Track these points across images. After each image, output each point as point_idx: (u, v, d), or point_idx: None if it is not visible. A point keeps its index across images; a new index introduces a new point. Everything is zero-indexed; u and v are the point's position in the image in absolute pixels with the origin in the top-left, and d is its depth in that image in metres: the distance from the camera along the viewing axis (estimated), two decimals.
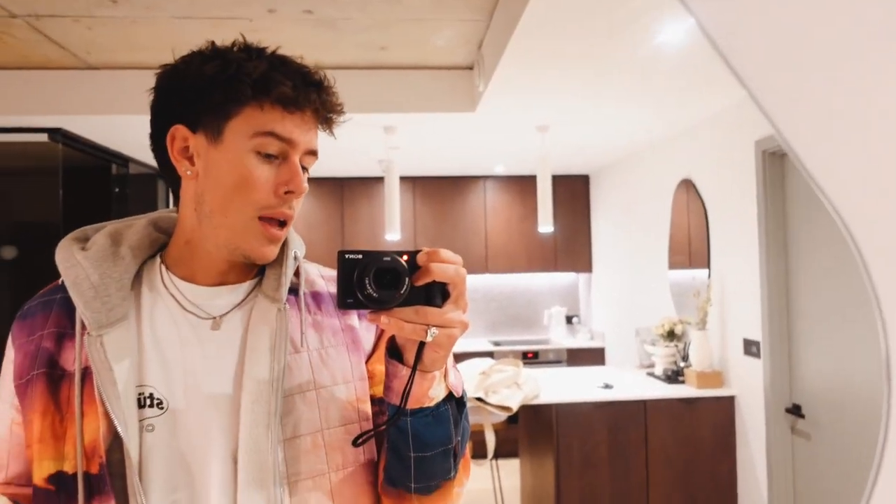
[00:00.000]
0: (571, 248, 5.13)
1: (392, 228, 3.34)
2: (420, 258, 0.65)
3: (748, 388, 2.88)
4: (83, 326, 0.71)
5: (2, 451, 0.77)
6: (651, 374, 3.40)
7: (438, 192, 5.04)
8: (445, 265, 0.65)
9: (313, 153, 0.75)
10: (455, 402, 0.73)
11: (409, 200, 4.96)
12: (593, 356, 4.85)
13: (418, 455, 0.71)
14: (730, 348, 3.02)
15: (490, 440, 2.93)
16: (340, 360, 0.76)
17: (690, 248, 3.45)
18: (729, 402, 3.01)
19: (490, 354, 4.71)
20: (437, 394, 0.70)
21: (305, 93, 0.71)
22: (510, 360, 3.10)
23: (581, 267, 5.15)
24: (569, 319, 5.37)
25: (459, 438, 0.73)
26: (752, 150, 2.78)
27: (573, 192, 5.13)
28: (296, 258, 0.79)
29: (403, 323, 0.64)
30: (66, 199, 3.09)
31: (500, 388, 2.86)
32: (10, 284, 3.59)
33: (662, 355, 3.31)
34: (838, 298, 2.37)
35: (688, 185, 3.44)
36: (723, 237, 3.08)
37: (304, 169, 0.75)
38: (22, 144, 3.12)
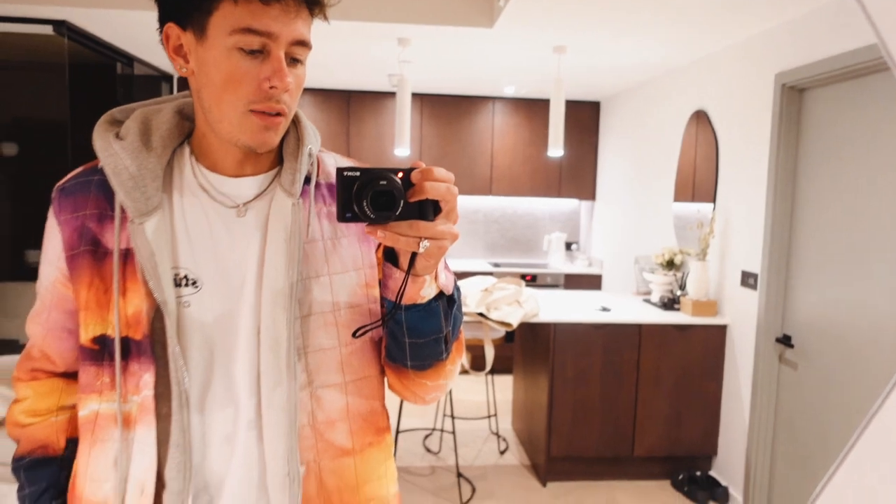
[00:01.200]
0: (576, 175, 5.13)
1: (402, 143, 3.32)
2: (414, 176, 0.68)
3: (741, 317, 2.98)
4: (123, 212, 0.77)
5: (45, 300, 0.85)
6: (647, 301, 3.49)
7: (446, 110, 4.97)
8: (438, 183, 0.68)
9: (302, 43, 0.74)
10: (446, 299, 0.79)
11: (416, 117, 4.90)
12: (590, 282, 4.95)
13: (412, 341, 0.79)
14: (727, 279, 3.10)
15: (489, 354, 3.04)
16: (351, 248, 0.83)
17: (695, 181, 3.46)
18: (721, 330, 3.12)
19: (489, 275, 4.80)
20: (428, 293, 0.76)
21: None
22: (512, 278, 3.18)
23: (584, 194, 5.17)
24: (568, 246, 5.44)
25: (450, 328, 0.81)
26: (771, 83, 2.75)
27: (582, 118, 5.07)
28: (310, 154, 0.83)
29: (398, 236, 0.69)
30: (72, 96, 3.04)
31: (501, 304, 2.94)
32: (11, 183, 3.58)
33: (660, 283, 3.39)
34: (838, 240, 2.42)
35: (700, 117, 3.41)
36: (732, 171, 3.09)
37: (297, 61, 0.75)
38: (26, 36, 3.04)
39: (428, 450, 3.56)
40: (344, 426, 0.82)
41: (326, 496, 0.81)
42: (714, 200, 3.24)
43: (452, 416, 3.24)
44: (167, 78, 4.34)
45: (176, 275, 0.77)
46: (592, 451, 3.18)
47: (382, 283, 0.79)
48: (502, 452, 3.57)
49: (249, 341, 0.78)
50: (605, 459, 3.22)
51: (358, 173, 0.67)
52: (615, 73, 3.93)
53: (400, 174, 0.68)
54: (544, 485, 3.18)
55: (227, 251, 0.79)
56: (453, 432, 3.19)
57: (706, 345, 3.14)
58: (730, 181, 3.11)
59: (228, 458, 0.79)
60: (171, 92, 4.41)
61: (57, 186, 0.83)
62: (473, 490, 3.10)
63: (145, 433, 0.76)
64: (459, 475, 3.16)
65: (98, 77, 3.56)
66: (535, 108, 5.00)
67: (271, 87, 0.72)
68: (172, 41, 0.76)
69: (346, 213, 0.68)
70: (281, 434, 0.78)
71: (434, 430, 3.73)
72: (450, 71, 4.02)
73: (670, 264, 3.36)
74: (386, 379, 0.89)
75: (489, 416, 3.79)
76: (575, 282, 4.95)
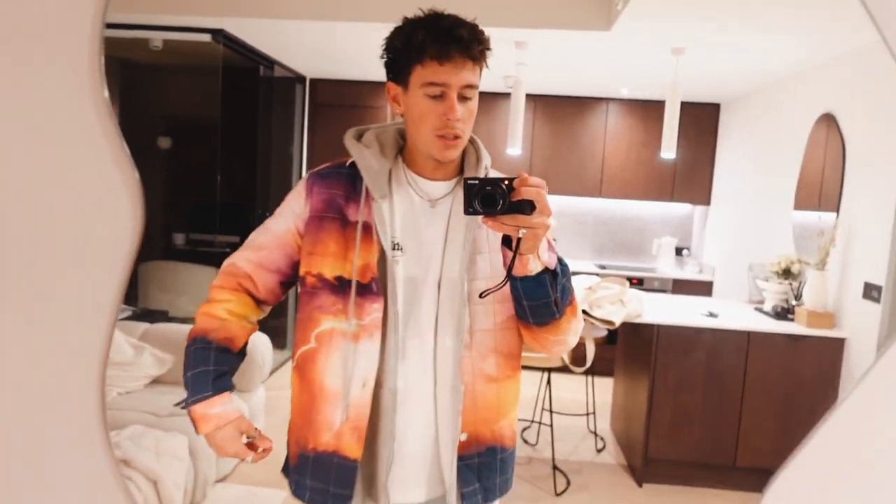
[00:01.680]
0: (691, 179, 5.01)
1: (514, 144, 3.45)
2: (516, 183, 0.95)
3: (862, 331, 2.84)
4: (367, 194, 1.10)
5: (268, 243, 1.16)
6: (759, 310, 3.40)
7: (559, 111, 5.03)
8: (531, 188, 0.95)
9: (470, 86, 1.06)
10: (550, 273, 1.04)
11: (528, 117, 5.00)
12: (700, 288, 4.83)
13: (529, 304, 1.06)
14: (848, 291, 2.96)
15: (590, 351, 3.10)
16: (499, 237, 1.07)
17: (822, 189, 3.32)
18: (838, 343, 2.98)
19: (595, 276, 4.82)
20: (534, 268, 1.02)
21: (447, 47, 1.02)
22: (616, 279, 3.21)
23: (698, 199, 5.04)
24: (678, 251, 5.32)
25: (557, 294, 1.06)
26: None
27: (700, 120, 4.94)
28: (486, 167, 1.16)
29: (501, 225, 0.97)
30: (223, 97, 3.43)
31: (604, 303, 3.00)
32: (164, 172, 4.07)
33: (774, 292, 3.28)
34: None
35: (827, 121, 3.26)
36: (859, 178, 2.95)
37: (466, 98, 1.06)
38: (187, 43, 3.47)
39: (525, 441, 3.67)
40: (492, 360, 1.13)
41: (476, 408, 1.12)
42: (838, 208, 3.10)
43: (551, 411, 3.33)
44: (301, 79, 4.74)
45: (392, 241, 1.10)
46: (691, 456, 3.15)
47: (503, 262, 1.04)
48: (599, 450, 3.60)
49: (433, 292, 1.11)
50: (705, 466, 3.18)
51: (477, 181, 0.95)
52: (736, 75, 3.83)
53: (506, 182, 0.95)
54: (640, 485, 3.19)
55: (423, 230, 1.12)
56: (551, 426, 3.28)
57: (821, 358, 3.01)
58: (856, 188, 2.96)
59: (417, 371, 1.11)
60: (304, 90, 4.82)
61: (311, 172, 1.17)
62: (568, 483, 3.18)
63: (370, 345, 1.08)
64: (555, 468, 3.24)
65: (244, 79, 3.98)
66: (650, 110, 4.94)
67: (447, 119, 1.05)
68: (391, 93, 1.12)
69: (468, 208, 0.96)
70: (449, 360, 1.10)
71: (532, 422, 3.82)
72: (565, 72, 4.09)
73: (787, 273, 3.25)
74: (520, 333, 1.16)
75: (587, 414, 3.83)
76: (684, 287, 4.85)
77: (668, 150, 3.38)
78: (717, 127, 4.96)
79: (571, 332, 1.13)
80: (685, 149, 4.92)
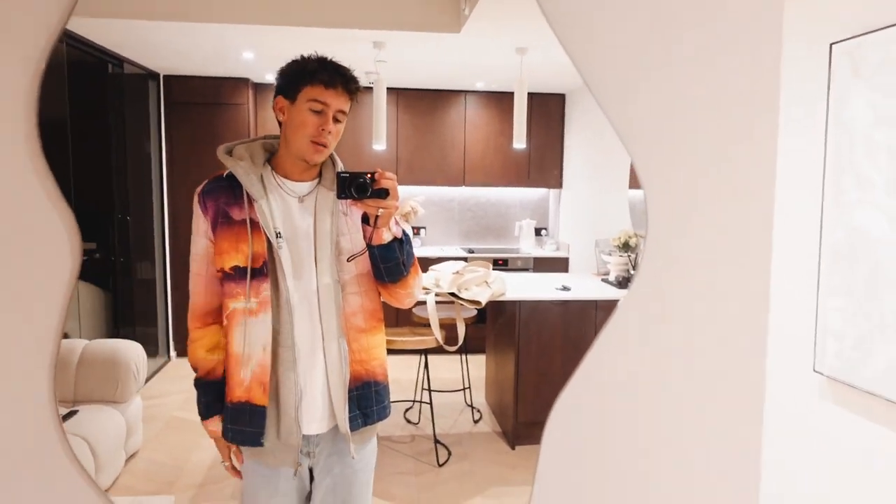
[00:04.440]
0: (544, 165, 5.44)
1: (379, 139, 3.60)
2: (377, 175, 1.29)
3: None
4: (249, 198, 1.35)
5: (201, 263, 1.43)
6: (605, 280, 3.83)
7: (420, 104, 5.24)
8: (388, 180, 1.29)
9: (342, 112, 1.38)
10: (398, 242, 1.38)
11: (392, 112, 5.16)
12: (558, 265, 5.29)
13: (384, 266, 1.39)
14: None
15: (461, 330, 3.35)
16: (356, 219, 1.42)
17: None
18: None
19: (464, 260, 5.11)
20: (387, 237, 1.36)
21: (334, 78, 1.34)
22: (481, 262, 3.48)
23: (552, 183, 5.48)
24: (538, 231, 5.76)
25: (404, 257, 1.39)
26: None
27: (548, 110, 5.37)
28: (341, 169, 1.44)
29: (368, 206, 1.31)
30: (70, 97, 3.26)
31: (471, 285, 3.25)
32: None
33: (616, 264, 3.72)
34: None
35: None
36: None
37: (338, 120, 1.37)
38: None
39: (408, 421, 3.87)
40: (360, 316, 1.44)
41: (351, 352, 1.42)
42: None
43: (430, 390, 3.55)
44: (154, 76, 4.55)
45: (275, 231, 1.35)
46: None
47: (363, 235, 1.40)
48: (476, 421, 3.89)
49: (311, 268, 1.38)
50: None
51: (348, 174, 1.30)
52: (575, 70, 4.23)
53: (369, 174, 1.29)
54: (513, 448, 3.51)
55: (296, 221, 1.39)
56: (430, 403, 3.50)
57: None
58: None
59: (307, 331, 1.39)
60: (158, 88, 4.63)
61: (198, 192, 1.41)
62: (449, 454, 3.42)
63: (265, 316, 1.35)
64: (437, 441, 3.47)
65: (92, 77, 3.78)
66: (505, 101, 5.29)
67: (322, 130, 1.35)
68: (279, 105, 1.38)
69: (342, 194, 1.29)
70: (332, 318, 1.39)
71: (414, 402, 4.04)
72: (423, 68, 4.29)
73: (626, 246, 3.69)
74: (379, 292, 1.50)
75: (464, 389, 4.11)
76: (544, 265, 5.28)
77: (520, 141, 3.70)
78: (564, 115, 5.42)
79: (416, 285, 1.47)
80: (537, 136, 5.33)
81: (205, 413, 1.48)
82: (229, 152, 1.40)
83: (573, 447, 1.03)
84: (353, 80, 1.38)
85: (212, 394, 1.47)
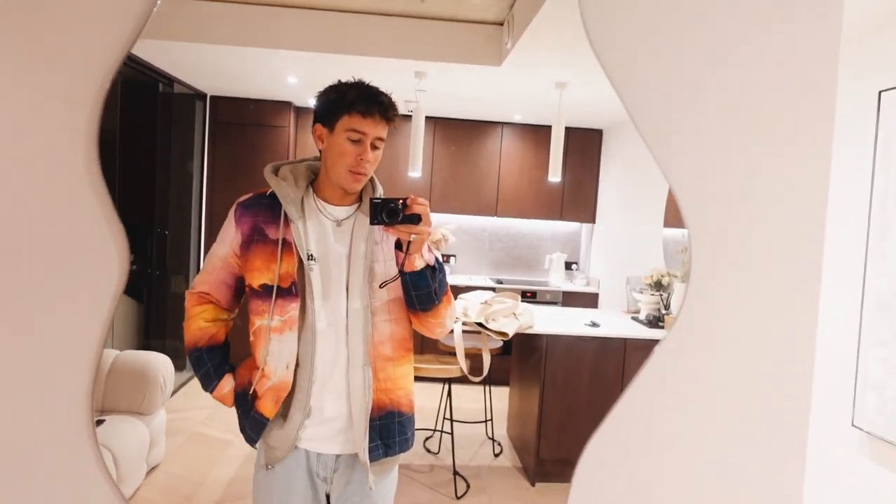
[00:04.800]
0: (578, 199, 5.42)
1: (415, 167, 3.64)
2: (408, 201, 1.29)
3: None
4: (286, 217, 1.37)
5: (216, 265, 1.46)
6: (635, 319, 3.77)
7: (457, 134, 5.29)
8: (419, 206, 1.29)
9: (380, 139, 1.37)
10: (430, 269, 1.37)
11: (428, 139, 5.22)
12: (587, 300, 5.23)
13: (416, 293, 1.38)
14: None
15: (486, 361, 3.32)
16: (390, 246, 1.41)
17: None
18: None
19: (492, 290, 5.09)
20: (419, 264, 1.35)
21: (371, 108, 1.33)
22: (510, 293, 3.46)
23: (585, 217, 5.46)
24: (568, 265, 5.72)
25: (436, 285, 1.39)
26: None
27: (585, 144, 5.37)
28: (380, 195, 1.45)
29: (398, 231, 1.30)
30: (121, 112, 3.38)
31: (499, 316, 3.23)
32: None
33: (647, 302, 3.66)
34: None
35: None
36: None
37: (376, 147, 1.37)
38: None
39: (428, 450, 3.83)
40: (389, 344, 1.42)
41: (377, 381, 1.40)
42: None
43: (452, 420, 3.51)
44: (201, 96, 4.70)
45: (308, 253, 1.36)
46: (578, 454, 3.42)
47: (396, 260, 1.38)
48: (496, 455, 3.83)
49: (341, 293, 1.38)
50: None
51: (380, 200, 1.30)
52: (615, 105, 4.24)
53: (401, 200, 1.29)
54: (533, 484, 3.44)
55: (331, 245, 1.39)
56: (451, 433, 3.46)
57: None
58: None
59: (331, 355, 1.39)
60: (204, 108, 4.77)
61: (238, 202, 1.43)
62: (468, 486, 3.36)
63: (290, 335, 1.36)
64: (456, 473, 3.42)
65: (142, 94, 3.92)
66: (541, 134, 5.31)
67: (361, 160, 1.35)
68: (318, 132, 1.38)
69: (374, 220, 1.29)
70: (359, 345, 1.37)
71: (435, 431, 3.99)
72: (462, 99, 4.35)
73: (658, 285, 3.64)
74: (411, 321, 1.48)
75: (486, 421, 4.06)
76: (573, 299, 5.22)
77: (555, 174, 3.70)
78: (601, 151, 5.41)
79: (448, 315, 1.46)
80: (572, 171, 5.33)
81: (213, 376, 1.47)
82: (275, 171, 1.42)
83: (604, 488, 1.00)
84: (391, 107, 1.37)
85: (217, 356, 1.49)
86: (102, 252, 0.79)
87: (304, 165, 1.45)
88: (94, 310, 0.81)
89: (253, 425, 1.42)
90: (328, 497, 1.47)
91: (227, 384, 1.48)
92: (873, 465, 2.01)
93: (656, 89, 0.95)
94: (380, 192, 1.43)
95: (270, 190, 1.40)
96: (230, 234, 1.42)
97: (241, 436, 1.50)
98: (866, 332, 2.02)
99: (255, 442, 1.44)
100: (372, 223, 1.30)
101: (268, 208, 1.40)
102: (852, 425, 2.08)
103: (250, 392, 1.43)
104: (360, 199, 1.43)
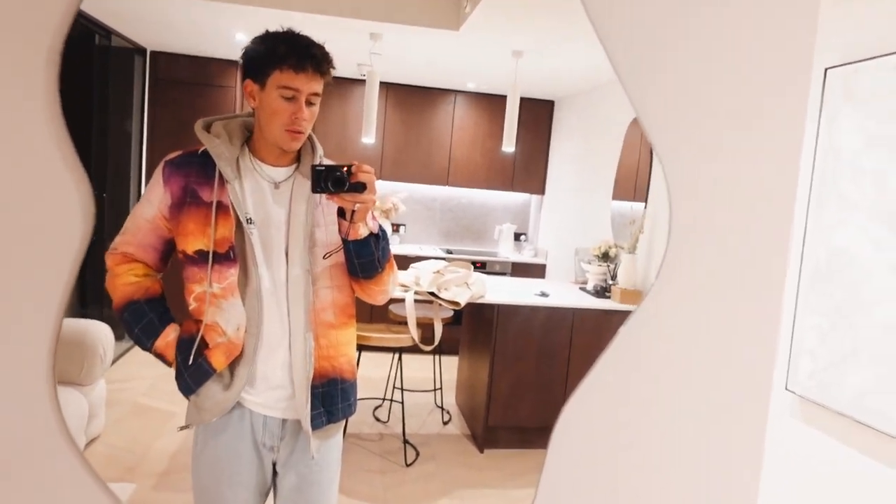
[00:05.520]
0: (528, 170, 5.46)
1: (368, 133, 3.57)
2: (354, 168, 1.21)
3: None
4: (221, 177, 1.28)
5: (141, 226, 1.35)
6: (583, 289, 3.85)
7: (410, 100, 5.21)
8: (365, 173, 1.21)
9: (316, 94, 1.28)
10: (374, 237, 1.31)
11: (380, 105, 5.12)
12: (536, 271, 5.30)
13: (359, 261, 1.32)
14: (652, 271, 3.47)
15: (438, 330, 3.33)
16: (332, 209, 1.33)
17: (636, 182, 3.83)
18: None
19: (442, 260, 5.09)
20: (363, 233, 1.29)
21: (304, 62, 1.23)
22: (462, 263, 3.47)
23: (535, 188, 5.50)
24: (517, 236, 5.77)
25: (379, 253, 1.33)
26: None
27: (537, 115, 5.39)
28: (321, 157, 1.38)
29: (342, 199, 1.23)
30: None
31: (451, 285, 3.23)
32: None
33: (595, 273, 3.74)
34: None
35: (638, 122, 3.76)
36: (660, 173, 3.45)
37: (311, 104, 1.28)
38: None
39: (377, 419, 3.84)
40: (331, 311, 1.37)
41: (319, 348, 1.36)
42: (646, 200, 3.61)
43: (402, 389, 3.52)
44: (141, 51, 4.45)
45: (246, 215, 1.29)
46: (526, 421, 3.51)
47: (339, 229, 1.30)
48: (445, 423, 3.87)
49: (281, 259, 1.32)
50: (538, 429, 3.56)
51: (323, 167, 1.21)
52: (568, 77, 4.26)
53: (345, 168, 1.21)
54: (481, 451, 3.50)
55: (269, 207, 1.32)
56: (402, 402, 3.47)
57: None
58: (662, 183, 3.47)
59: (275, 320, 1.33)
60: (143, 63, 4.53)
61: (166, 160, 1.33)
62: (417, 454, 3.40)
63: (234, 300, 1.30)
64: (405, 441, 3.44)
65: (77, 47, 3.66)
66: (494, 104, 5.29)
67: (296, 118, 1.26)
68: (248, 89, 1.28)
69: (317, 188, 1.21)
70: (300, 311, 1.32)
71: (384, 400, 4.00)
72: (416, 64, 4.27)
73: (605, 256, 3.72)
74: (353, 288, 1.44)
75: (435, 390, 4.09)
76: (522, 270, 5.29)
77: (509, 144, 3.70)
78: (552, 122, 5.44)
79: (390, 282, 1.42)
80: (523, 141, 5.34)
81: (158, 324, 1.36)
82: (207, 128, 1.32)
83: (580, 454, 1.02)
84: (326, 59, 1.27)
85: (159, 307, 1.38)
86: (65, 204, 0.74)
87: (238, 122, 1.35)
88: (56, 268, 0.75)
89: (196, 374, 1.33)
90: (274, 466, 1.44)
91: (172, 332, 1.37)
92: (803, 426, 2.13)
93: (638, 41, 0.95)
94: (320, 152, 1.36)
95: (202, 148, 1.29)
96: (157, 195, 1.31)
97: (184, 407, 1.42)
98: (802, 301, 2.12)
99: (192, 393, 1.35)
100: (314, 191, 1.22)
101: (200, 168, 1.30)
102: (786, 389, 2.19)
103: (198, 340, 1.33)
104: (298, 160, 1.36)
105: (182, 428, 1.40)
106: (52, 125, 0.75)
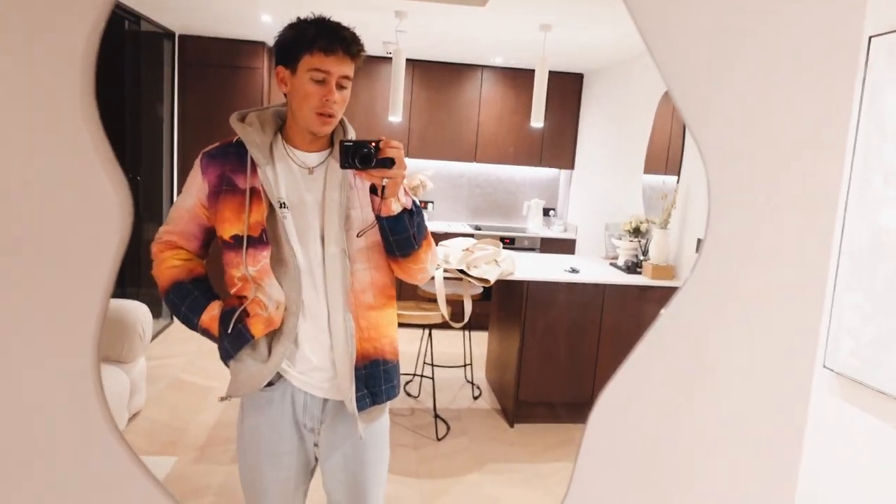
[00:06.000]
0: (557, 145, 5.39)
1: (395, 112, 3.56)
2: (381, 144, 1.22)
3: None
4: (253, 164, 1.31)
5: (183, 216, 1.40)
6: (614, 265, 3.82)
7: (436, 77, 5.17)
8: (392, 148, 1.22)
9: (346, 77, 1.29)
10: (408, 213, 1.31)
11: (407, 83, 5.09)
12: (565, 246, 5.27)
13: (394, 238, 1.33)
14: (685, 247, 3.42)
15: (468, 308, 3.35)
16: (366, 192, 1.34)
17: (668, 155, 3.75)
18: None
19: (470, 237, 5.09)
20: (395, 209, 1.29)
21: (333, 44, 1.25)
22: (491, 240, 3.47)
23: (563, 163, 5.44)
24: (546, 212, 5.73)
25: (415, 230, 1.33)
26: None
27: (565, 89, 5.30)
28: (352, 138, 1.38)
29: (373, 176, 1.24)
30: None
31: (480, 263, 3.24)
32: None
33: (626, 248, 3.70)
34: None
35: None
36: (695, 148, 3.38)
37: (342, 87, 1.29)
38: None
39: (409, 394, 3.89)
40: (370, 292, 1.39)
41: (360, 330, 1.38)
42: (679, 174, 3.54)
43: (432, 364, 3.56)
44: (169, 35, 4.48)
45: (279, 200, 1.32)
46: (555, 396, 3.53)
47: (371, 206, 1.31)
48: (475, 398, 3.91)
49: (317, 241, 1.33)
50: (567, 404, 3.58)
51: (351, 143, 1.23)
52: (598, 50, 4.17)
53: (373, 143, 1.22)
54: (512, 426, 3.53)
55: (303, 193, 1.34)
56: (432, 378, 3.51)
57: (663, 305, 3.47)
58: (693, 157, 3.40)
59: (313, 300, 1.35)
60: (172, 47, 4.57)
61: (204, 152, 1.37)
62: (448, 428, 3.44)
63: (270, 281, 1.32)
64: (436, 416, 3.49)
65: (108, 34, 3.71)
66: (521, 78, 5.22)
67: (326, 101, 1.28)
68: (280, 75, 1.31)
69: (345, 164, 1.23)
70: (338, 294, 1.34)
71: (415, 375, 4.06)
72: (443, 41, 4.22)
73: (636, 231, 3.67)
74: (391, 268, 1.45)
75: (465, 366, 4.13)
76: (550, 246, 5.26)
77: (538, 119, 3.65)
78: (581, 96, 5.35)
79: (429, 260, 1.42)
80: (552, 116, 5.27)
81: (203, 300, 1.40)
82: (241, 119, 1.35)
83: (619, 433, 1.02)
84: (355, 41, 1.28)
85: (203, 285, 1.42)
86: (104, 202, 0.76)
87: (270, 111, 1.38)
88: (96, 260, 0.77)
89: (235, 340, 1.35)
90: (316, 447, 1.46)
91: (217, 307, 1.40)
92: (843, 403, 2.10)
93: (680, 24, 0.92)
94: (351, 134, 1.38)
95: (237, 137, 1.33)
96: (196, 186, 1.36)
97: (222, 382, 1.45)
98: (841, 278, 2.07)
99: (231, 358, 1.38)
100: (343, 167, 1.24)
101: (235, 157, 1.33)
102: (824, 367, 2.16)
103: (240, 310, 1.35)
104: (331, 144, 1.37)
105: (223, 399, 1.42)
106: (89, 126, 0.77)
